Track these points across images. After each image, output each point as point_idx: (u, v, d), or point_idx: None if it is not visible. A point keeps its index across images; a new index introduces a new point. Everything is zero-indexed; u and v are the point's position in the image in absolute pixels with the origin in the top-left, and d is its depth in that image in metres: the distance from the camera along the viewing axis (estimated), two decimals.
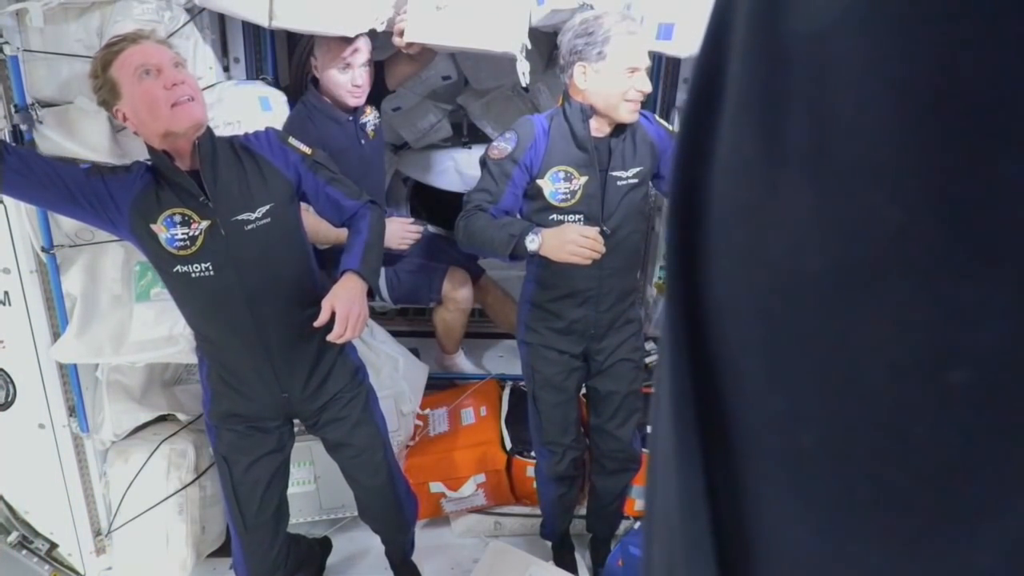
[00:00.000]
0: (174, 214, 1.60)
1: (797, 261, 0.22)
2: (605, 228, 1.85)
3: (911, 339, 0.20)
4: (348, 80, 2.22)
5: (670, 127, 2.07)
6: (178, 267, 1.62)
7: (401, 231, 2.47)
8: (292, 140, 1.76)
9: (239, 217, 1.63)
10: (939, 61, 0.19)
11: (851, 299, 0.21)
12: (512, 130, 1.90)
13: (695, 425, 0.26)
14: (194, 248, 1.61)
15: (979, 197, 0.19)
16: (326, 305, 1.61)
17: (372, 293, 1.73)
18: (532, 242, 1.73)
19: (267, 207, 1.66)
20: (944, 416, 0.20)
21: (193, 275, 1.62)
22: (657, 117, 2.07)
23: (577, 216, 1.88)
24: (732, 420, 0.25)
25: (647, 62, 1.81)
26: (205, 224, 1.61)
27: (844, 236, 0.21)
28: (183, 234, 1.60)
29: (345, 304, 1.61)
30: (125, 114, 1.55)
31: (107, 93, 1.54)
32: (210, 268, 1.62)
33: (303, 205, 1.82)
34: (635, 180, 1.92)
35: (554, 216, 1.89)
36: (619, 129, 1.89)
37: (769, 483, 0.25)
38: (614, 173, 1.90)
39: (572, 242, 1.69)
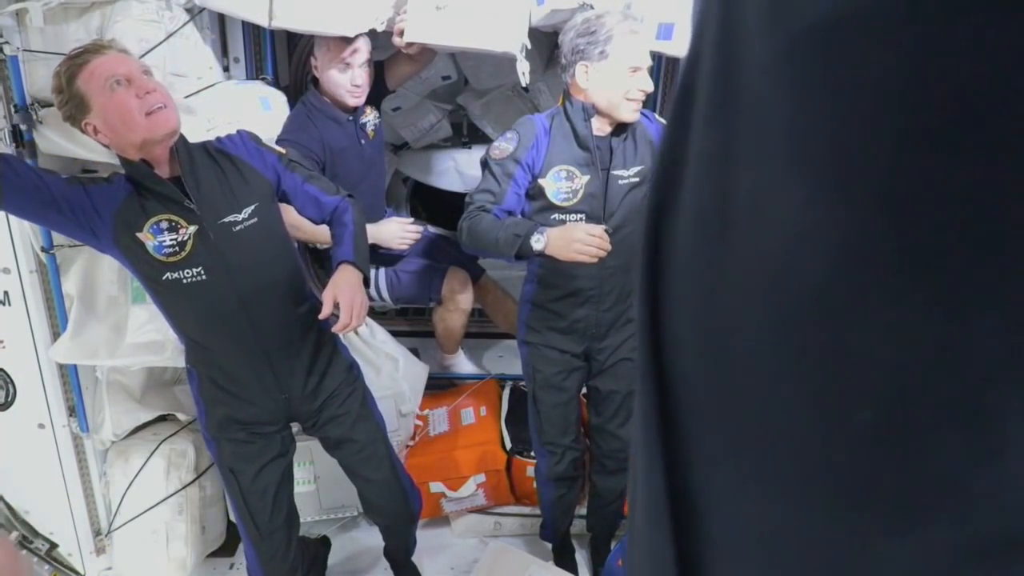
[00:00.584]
0: (160, 221, 1.57)
1: (737, 308, 0.26)
2: (607, 227, 1.85)
3: (826, 383, 0.23)
4: (347, 80, 2.22)
5: None
6: (168, 274, 1.59)
7: (401, 231, 2.46)
8: (265, 141, 1.76)
9: (226, 219, 1.62)
10: (836, 139, 0.21)
11: (777, 346, 0.24)
12: (513, 130, 1.90)
13: (659, 436, 0.30)
14: (184, 254, 1.59)
15: (878, 261, 0.21)
16: (328, 297, 1.61)
17: (366, 282, 1.73)
18: (538, 242, 1.73)
19: (252, 207, 1.65)
20: (852, 449, 0.23)
21: (185, 281, 1.60)
22: (658, 116, 2.07)
23: (579, 215, 1.88)
24: (686, 431, 0.29)
25: (649, 61, 1.82)
26: (193, 229, 1.59)
27: (773, 290, 0.24)
28: (171, 240, 1.58)
29: (348, 294, 1.62)
30: (96, 127, 1.51)
31: (74, 107, 1.50)
32: (202, 272, 1.60)
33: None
34: (636, 179, 1.92)
35: (556, 215, 1.89)
36: (620, 128, 1.89)
37: (716, 489, 0.28)
38: (616, 172, 1.90)
39: (579, 241, 1.69)
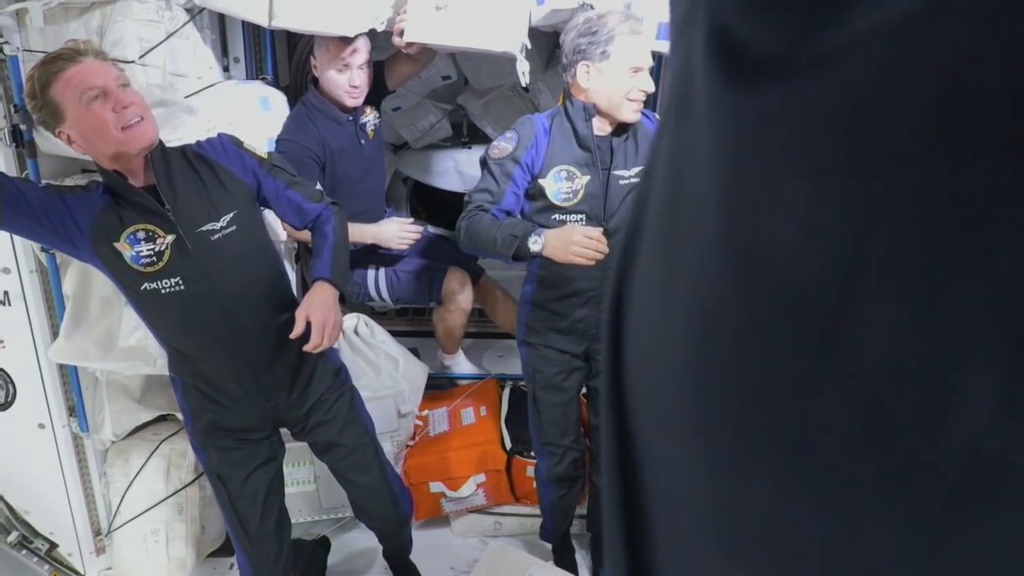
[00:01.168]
0: (137, 230, 1.55)
1: (672, 367, 0.30)
2: (608, 227, 1.86)
3: (734, 427, 0.28)
4: (346, 80, 2.22)
5: None
6: (146, 285, 1.57)
7: (400, 231, 2.46)
8: (247, 145, 1.73)
9: (204, 228, 1.59)
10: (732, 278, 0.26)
11: (688, 401, 0.30)
12: (513, 129, 1.90)
13: (618, 458, 0.36)
14: (161, 264, 1.56)
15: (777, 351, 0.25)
16: (300, 315, 1.59)
17: (343, 298, 1.71)
18: (535, 243, 1.72)
19: (231, 215, 1.62)
20: (757, 480, 0.27)
21: (163, 291, 1.58)
22: (659, 116, 2.06)
23: (579, 216, 1.88)
24: (635, 450, 0.35)
25: (650, 62, 1.81)
26: (170, 238, 1.56)
27: (689, 356, 0.29)
28: (148, 250, 1.55)
29: (320, 313, 1.60)
30: (70, 136, 1.48)
31: (48, 115, 1.46)
32: (180, 283, 1.58)
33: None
34: (637, 179, 1.91)
35: (556, 216, 1.89)
36: (621, 128, 1.89)
37: (657, 508, 0.34)
38: (616, 172, 1.90)
39: (576, 243, 1.68)
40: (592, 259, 1.68)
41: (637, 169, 1.92)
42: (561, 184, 1.87)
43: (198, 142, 1.69)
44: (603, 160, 1.88)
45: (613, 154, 1.89)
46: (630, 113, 1.82)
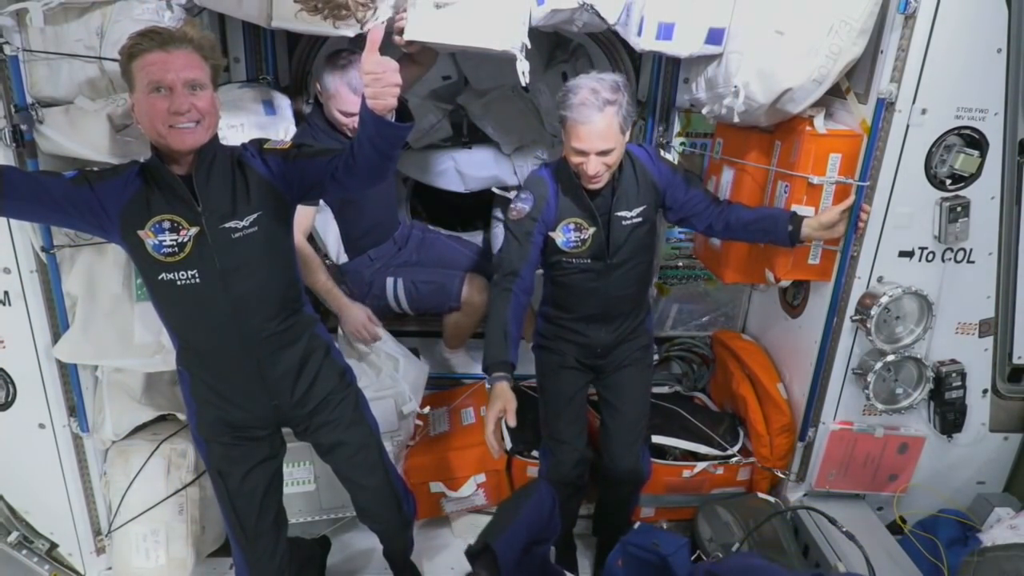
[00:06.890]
0: (163, 220, 1.58)
1: None
2: (611, 262, 2.00)
3: None
4: (351, 121, 2.29)
5: (673, 163, 2.19)
6: (163, 274, 1.59)
7: (362, 325, 2.42)
8: (268, 144, 1.72)
9: (227, 225, 1.61)
10: None
11: None
12: (527, 191, 2.01)
13: None
14: (182, 255, 1.59)
15: None
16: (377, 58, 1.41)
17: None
18: (488, 383, 1.97)
19: (255, 216, 1.64)
20: None
21: (178, 283, 1.60)
22: (661, 154, 2.14)
23: (585, 260, 2.01)
24: None
25: (597, 147, 1.82)
26: (194, 231, 1.59)
27: None
28: (171, 240, 1.58)
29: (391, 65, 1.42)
30: (134, 105, 1.56)
31: (127, 79, 1.55)
32: (196, 276, 1.60)
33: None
34: (639, 219, 2.01)
35: (563, 259, 2.02)
36: (618, 174, 1.96)
37: None
38: (619, 214, 1.98)
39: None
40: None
41: (639, 209, 2.01)
42: (570, 235, 2.00)
43: (243, 145, 1.72)
44: (602, 209, 1.97)
45: (614, 198, 1.97)
46: (585, 182, 1.92)
